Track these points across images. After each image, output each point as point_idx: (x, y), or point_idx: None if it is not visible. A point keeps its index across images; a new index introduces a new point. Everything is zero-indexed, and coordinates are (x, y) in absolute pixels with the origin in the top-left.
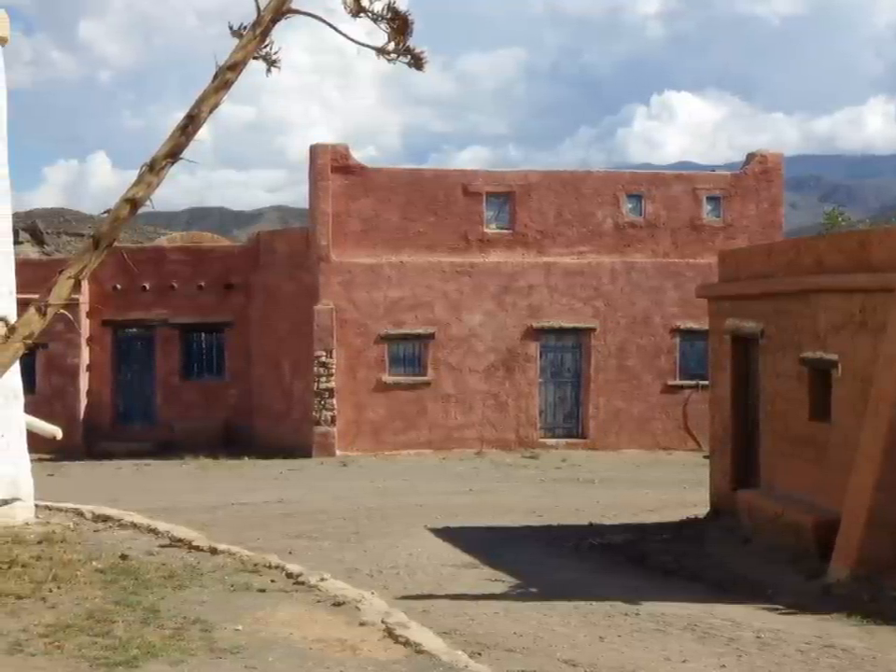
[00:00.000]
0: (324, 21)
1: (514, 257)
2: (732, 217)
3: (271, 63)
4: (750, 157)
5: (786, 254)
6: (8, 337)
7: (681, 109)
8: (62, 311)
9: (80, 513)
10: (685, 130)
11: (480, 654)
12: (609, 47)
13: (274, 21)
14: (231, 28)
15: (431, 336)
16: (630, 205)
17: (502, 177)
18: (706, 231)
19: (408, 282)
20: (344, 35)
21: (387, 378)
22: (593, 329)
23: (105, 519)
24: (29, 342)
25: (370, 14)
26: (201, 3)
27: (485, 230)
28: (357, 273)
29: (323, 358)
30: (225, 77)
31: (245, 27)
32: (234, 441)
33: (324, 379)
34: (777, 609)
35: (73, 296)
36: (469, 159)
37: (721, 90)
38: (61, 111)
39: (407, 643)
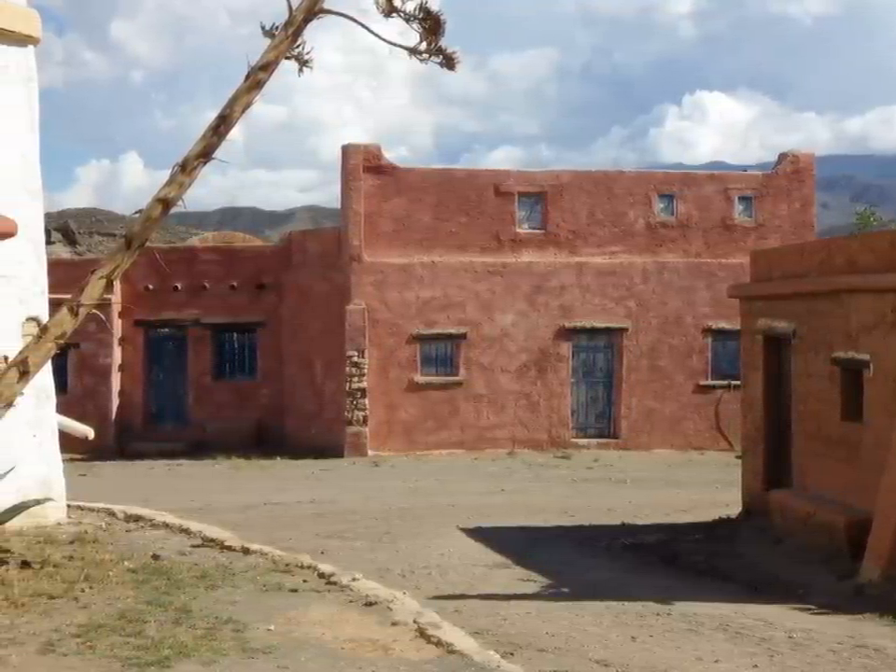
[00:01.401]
0: (356, 21)
1: (546, 257)
2: (763, 217)
3: (303, 63)
4: (782, 157)
5: (818, 254)
6: (40, 337)
7: (713, 109)
8: (93, 311)
9: (112, 513)
10: (717, 130)
11: (512, 654)
12: (640, 46)
13: (307, 20)
14: (262, 28)
15: (463, 336)
16: (662, 205)
17: (534, 177)
18: (737, 230)
19: (440, 282)
20: (376, 35)
21: (419, 378)
22: (625, 329)
23: (137, 519)
24: (61, 342)
25: (402, 14)
26: (233, 3)
27: (517, 230)
28: (388, 273)
29: (355, 358)
30: (257, 77)
31: (276, 27)
32: (266, 441)
33: (356, 379)
34: (810, 609)
35: (105, 296)
36: (500, 159)
37: (753, 89)
38: (92, 111)
39: (439, 643)
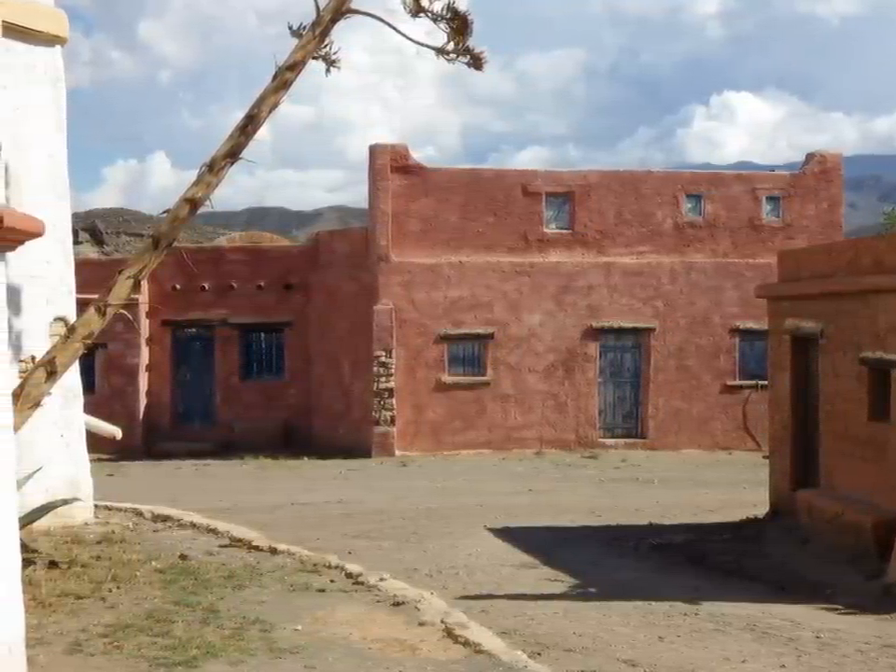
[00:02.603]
0: (383, 21)
1: (574, 257)
2: (791, 218)
3: (330, 62)
4: (810, 157)
5: (845, 254)
6: (68, 337)
7: (741, 109)
8: (121, 311)
9: (140, 513)
10: (745, 130)
11: (539, 654)
12: (667, 47)
13: (334, 21)
14: (290, 28)
15: (491, 336)
16: (689, 205)
17: (561, 177)
18: (765, 231)
19: (467, 282)
20: (404, 35)
21: (447, 378)
22: (652, 329)
23: (165, 519)
24: (88, 341)
25: (429, 14)
26: (261, 3)
27: (545, 230)
28: (416, 273)
29: (382, 358)
30: (284, 77)
31: (304, 27)
32: (294, 441)
33: (383, 379)
34: (837, 610)
35: (132, 296)
36: (528, 159)
37: (781, 89)
38: (120, 111)
39: (466, 643)
